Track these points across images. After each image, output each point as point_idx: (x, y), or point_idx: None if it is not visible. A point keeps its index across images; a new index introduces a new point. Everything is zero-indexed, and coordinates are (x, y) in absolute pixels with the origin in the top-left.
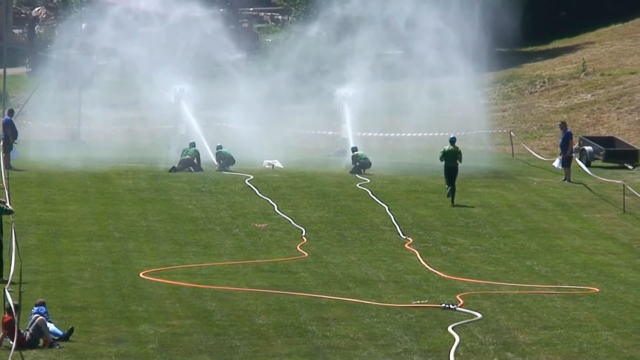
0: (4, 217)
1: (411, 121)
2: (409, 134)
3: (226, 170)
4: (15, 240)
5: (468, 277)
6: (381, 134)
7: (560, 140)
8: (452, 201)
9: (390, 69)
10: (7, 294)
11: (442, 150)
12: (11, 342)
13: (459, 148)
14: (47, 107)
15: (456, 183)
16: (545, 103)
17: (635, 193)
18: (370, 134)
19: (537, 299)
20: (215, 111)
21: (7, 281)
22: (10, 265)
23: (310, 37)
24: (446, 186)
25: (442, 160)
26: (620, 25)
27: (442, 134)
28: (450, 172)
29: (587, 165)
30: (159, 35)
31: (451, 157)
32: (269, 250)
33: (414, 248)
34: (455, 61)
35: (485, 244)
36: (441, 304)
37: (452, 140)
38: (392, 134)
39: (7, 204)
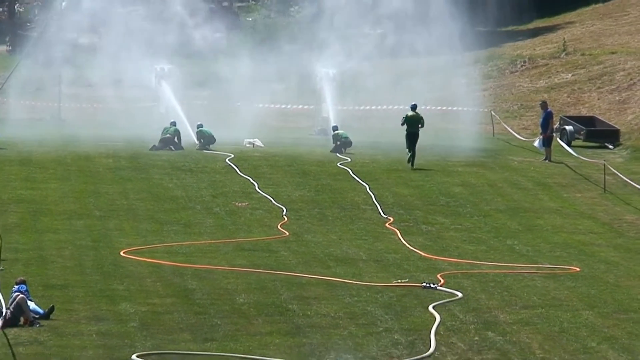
0: None
1: (392, 100)
2: (388, 107)
3: (207, 149)
4: None
5: (449, 256)
6: (361, 108)
7: (541, 119)
8: (412, 165)
9: (370, 48)
10: None
11: (404, 116)
12: None
13: (421, 114)
14: (28, 85)
15: (436, 161)
16: (526, 82)
17: (616, 172)
18: (348, 107)
19: (517, 278)
20: (196, 90)
21: None
22: None
23: (290, 15)
24: (407, 151)
25: (403, 125)
26: (600, 5)
27: (423, 107)
28: (413, 137)
29: (568, 145)
30: (138, 14)
31: (414, 123)
32: (249, 229)
33: (394, 227)
34: (436, 40)
35: (466, 223)
36: (422, 283)
37: (414, 107)
38: (373, 107)
39: None
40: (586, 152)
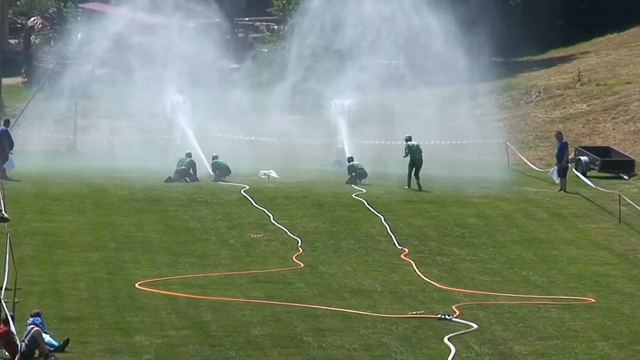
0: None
1: (407, 131)
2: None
3: (222, 181)
4: (11, 250)
5: (464, 287)
6: (377, 142)
7: (556, 150)
8: (420, 186)
9: (386, 79)
10: (3, 304)
11: (407, 147)
12: (7, 353)
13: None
14: (43, 117)
15: (451, 192)
16: (541, 113)
17: (631, 203)
18: (365, 141)
19: (533, 310)
20: (211, 121)
21: (2, 287)
22: (4, 276)
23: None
24: (408, 178)
25: (407, 155)
26: (615, 35)
27: (438, 142)
28: (420, 163)
29: (583, 175)
30: (154, 45)
31: (417, 150)
32: (264, 260)
33: (409, 258)
34: (452, 71)
35: (481, 254)
36: (437, 314)
37: (410, 138)
38: (388, 142)
39: (3, 211)
40: (601, 182)
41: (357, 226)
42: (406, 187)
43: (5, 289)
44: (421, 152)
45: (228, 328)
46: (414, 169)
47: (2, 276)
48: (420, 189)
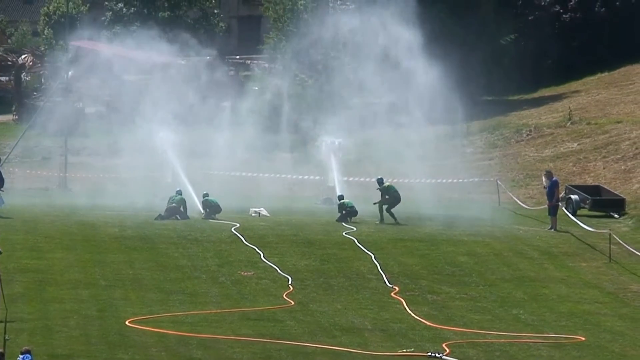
0: None
1: (398, 169)
2: (394, 180)
3: (212, 218)
4: (1, 287)
5: (454, 325)
6: (367, 179)
7: (547, 188)
8: (396, 219)
9: (376, 117)
10: None
11: (384, 187)
12: None
13: None
14: (34, 154)
15: (442, 230)
16: (532, 152)
17: (621, 242)
18: (356, 178)
19: (523, 348)
20: (202, 159)
21: None
22: None
23: (296, 84)
24: (381, 215)
25: (386, 195)
26: (606, 74)
27: (428, 180)
28: (399, 200)
29: (574, 214)
30: (145, 82)
31: (393, 189)
32: (255, 298)
33: (400, 296)
34: (443, 109)
35: (471, 292)
36: (427, 352)
37: (383, 180)
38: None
39: None
40: (591, 221)
41: (348, 264)
42: (377, 222)
43: None
44: (397, 190)
45: None
46: (389, 206)
47: None
48: (396, 221)
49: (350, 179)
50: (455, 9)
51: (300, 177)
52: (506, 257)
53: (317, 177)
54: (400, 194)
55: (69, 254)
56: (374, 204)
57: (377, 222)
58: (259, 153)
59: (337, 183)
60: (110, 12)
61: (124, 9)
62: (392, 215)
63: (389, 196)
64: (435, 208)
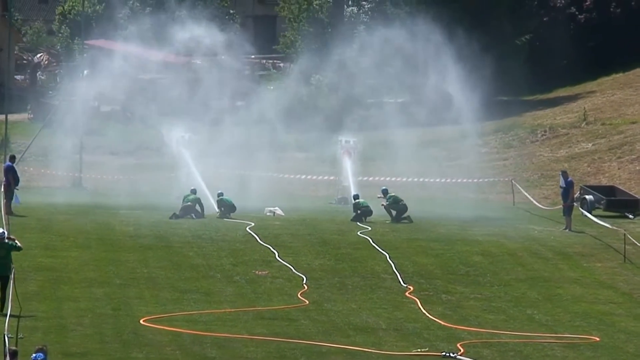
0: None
1: (412, 169)
2: (409, 179)
3: (227, 218)
4: (14, 286)
5: (468, 325)
6: (382, 178)
7: (562, 189)
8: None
9: (392, 117)
10: (6, 339)
11: (389, 198)
12: None
13: None
14: (49, 153)
15: (456, 230)
16: (547, 152)
17: (636, 242)
18: (370, 178)
19: (537, 348)
20: (217, 158)
21: (7, 314)
22: (8, 310)
23: (311, 84)
24: (392, 219)
25: (389, 204)
26: (621, 74)
27: (444, 180)
28: (406, 209)
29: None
30: (161, 81)
31: (400, 198)
32: (269, 297)
33: (414, 296)
34: (458, 109)
35: (485, 292)
36: (442, 352)
37: (387, 190)
38: (394, 179)
39: (16, 240)
40: (606, 221)
41: (362, 264)
42: (389, 222)
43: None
44: (402, 199)
45: None
46: (397, 214)
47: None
48: (411, 219)
49: (365, 178)
50: (470, 9)
51: (315, 177)
52: (521, 257)
53: (332, 177)
54: (414, 194)
55: (83, 252)
56: (382, 205)
57: (389, 222)
58: (274, 152)
59: (352, 182)
60: (127, 11)
61: (140, 8)
62: (404, 219)
63: (395, 210)
64: (450, 208)
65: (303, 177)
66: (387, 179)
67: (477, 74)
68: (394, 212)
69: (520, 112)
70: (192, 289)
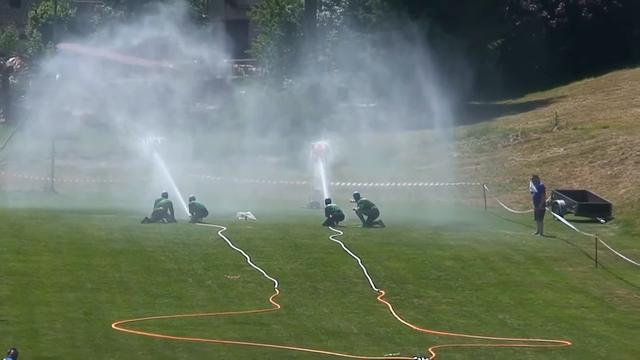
0: None
1: (385, 173)
2: (381, 184)
3: (199, 222)
4: None
5: (440, 330)
6: (355, 184)
7: (533, 193)
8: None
9: (364, 121)
10: None
11: (361, 202)
12: None
13: None
14: (21, 157)
15: (428, 235)
16: (519, 156)
17: (608, 247)
18: (343, 183)
19: (509, 352)
20: (189, 162)
21: None
22: None
23: (283, 89)
24: (361, 225)
25: (361, 209)
26: (593, 79)
27: (415, 183)
28: (378, 213)
29: (558, 221)
30: (132, 86)
31: (372, 203)
32: (241, 302)
33: (386, 301)
34: (430, 114)
35: (457, 297)
36: (413, 356)
37: (359, 194)
38: (366, 184)
39: None
40: (578, 226)
41: (334, 268)
42: (360, 226)
43: None
44: (373, 203)
45: None
46: (369, 218)
47: None
48: (383, 224)
49: (337, 183)
50: (442, 14)
51: (287, 181)
52: (492, 261)
53: (304, 182)
54: (386, 199)
55: (55, 257)
56: (354, 210)
57: (360, 226)
58: (245, 157)
59: (325, 187)
60: (99, 15)
61: (112, 12)
62: (376, 224)
63: (367, 214)
64: (421, 212)
65: (275, 181)
66: (359, 184)
67: (449, 78)
68: (365, 217)
69: (492, 117)
70: (163, 294)
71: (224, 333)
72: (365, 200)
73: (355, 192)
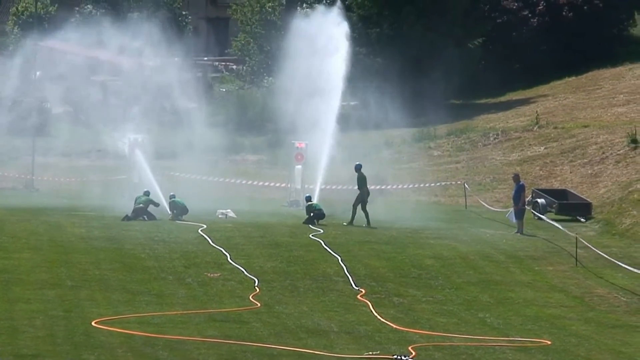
0: None
1: (365, 172)
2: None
3: (179, 220)
4: None
5: (420, 328)
6: (334, 187)
7: (513, 192)
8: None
9: (344, 120)
10: None
11: (310, 205)
12: None
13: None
14: (1, 155)
15: (408, 234)
16: (499, 155)
17: (588, 245)
18: (324, 186)
19: (488, 351)
20: (169, 160)
21: None
22: None
23: (263, 87)
24: (346, 223)
25: (310, 212)
26: (573, 78)
27: (395, 186)
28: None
29: (540, 219)
30: (113, 83)
31: (320, 206)
32: (221, 300)
33: (366, 299)
34: (409, 112)
35: (437, 295)
36: (393, 355)
37: (310, 197)
38: (346, 187)
39: None
40: (558, 225)
41: (314, 266)
42: (345, 224)
43: None
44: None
45: None
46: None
47: None
48: (369, 224)
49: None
50: (423, 12)
51: (267, 179)
52: (472, 260)
53: (284, 182)
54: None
55: (35, 254)
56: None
57: (345, 224)
58: (226, 155)
59: (304, 185)
60: (79, 13)
61: (93, 10)
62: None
63: (360, 186)
64: (401, 211)
65: (255, 180)
66: (341, 187)
67: (429, 77)
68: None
69: (473, 116)
70: (143, 291)
71: (204, 331)
72: (315, 204)
73: (307, 194)
